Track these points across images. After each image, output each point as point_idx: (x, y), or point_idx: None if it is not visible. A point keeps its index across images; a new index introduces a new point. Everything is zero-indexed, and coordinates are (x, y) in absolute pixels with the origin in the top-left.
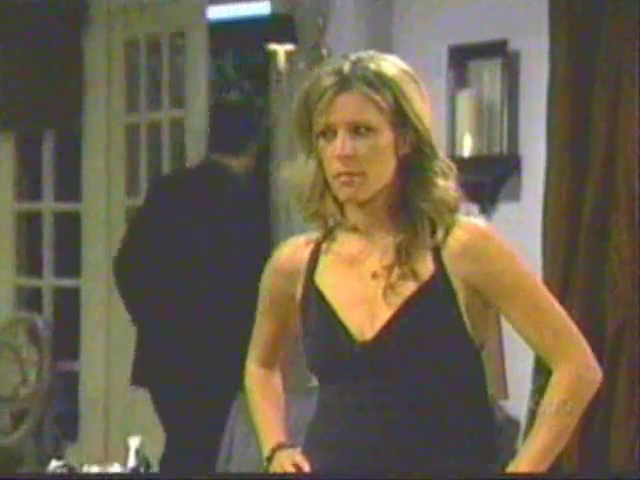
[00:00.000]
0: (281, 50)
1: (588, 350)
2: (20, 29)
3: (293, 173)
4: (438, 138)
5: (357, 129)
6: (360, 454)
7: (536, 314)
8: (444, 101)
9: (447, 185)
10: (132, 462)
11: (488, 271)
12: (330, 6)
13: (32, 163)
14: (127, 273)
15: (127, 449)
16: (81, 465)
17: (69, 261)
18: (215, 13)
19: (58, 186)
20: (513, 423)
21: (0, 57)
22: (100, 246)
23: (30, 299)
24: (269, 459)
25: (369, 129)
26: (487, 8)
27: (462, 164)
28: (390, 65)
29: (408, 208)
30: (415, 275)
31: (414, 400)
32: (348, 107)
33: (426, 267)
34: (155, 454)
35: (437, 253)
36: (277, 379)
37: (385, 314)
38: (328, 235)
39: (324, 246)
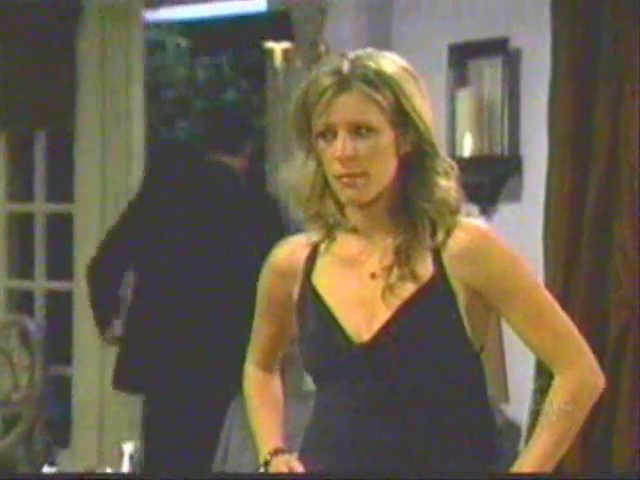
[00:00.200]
0: (278, 48)
1: (590, 354)
2: (11, 29)
3: (291, 173)
4: (438, 137)
5: (358, 129)
6: (358, 457)
7: (537, 317)
8: (444, 100)
9: (449, 185)
10: (126, 468)
11: (488, 273)
12: (328, 2)
13: (24, 164)
14: (105, 273)
15: (121, 454)
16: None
17: (62, 263)
18: (211, 11)
19: (50, 187)
20: (514, 427)
21: None
22: (93, 248)
23: (22, 302)
24: (266, 464)
25: (370, 129)
26: (488, 5)
27: (462, 164)
28: (389, 63)
29: (409, 209)
30: (414, 277)
31: (412, 403)
32: (348, 107)
33: (426, 269)
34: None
35: (437, 255)
36: (276, 382)
37: (383, 315)
38: (327, 236)
39: (323, 247)
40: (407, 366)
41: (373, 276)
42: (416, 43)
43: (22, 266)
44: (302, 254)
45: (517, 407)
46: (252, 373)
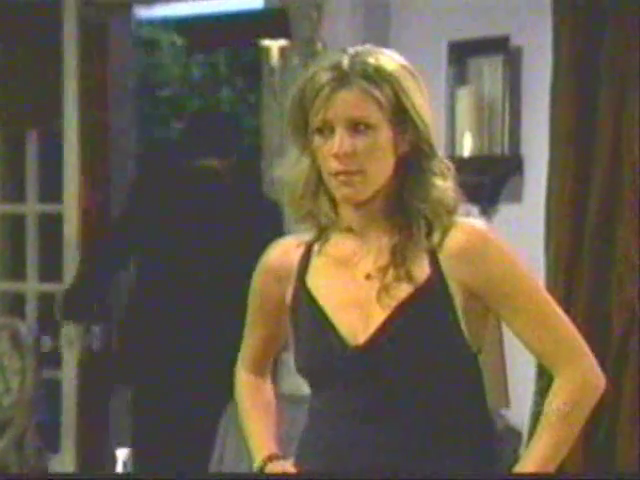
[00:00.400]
0: (274, 46)
1: (590, 355)
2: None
3: (285, 170)
4: (437, 137)
5: (356, 126)
6: (354, 461)
7: (537, 320)
8: (443, 98)
9: (445, 186)
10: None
11: (487, 275)
12: None
13: (15, 164)
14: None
15: (114, 460)
16: None
17: (54, 265)
18: (206, 8)
19: (42, 188)
20: (515, 432)
21: None
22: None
23: (13, 304)
24: (260, 471)
25: (368, 126)
26: (488, 3)
27: (462, 164)
28: (389, 59)
29: (404, 209)
30: (410, 278)
31: (408, 405)
32: (347, 103)
33: (422, 270)
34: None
35: (434, 255)
36: (268, 386)
37: (379, 317)
38: (321, 236)
39: (316, 247)
40: (403, 368)
41: (368, 277)
42: (415, 40)
43: (13, 268)
44: (295, 255)
45: (518, 412)
46: (243, 377)
